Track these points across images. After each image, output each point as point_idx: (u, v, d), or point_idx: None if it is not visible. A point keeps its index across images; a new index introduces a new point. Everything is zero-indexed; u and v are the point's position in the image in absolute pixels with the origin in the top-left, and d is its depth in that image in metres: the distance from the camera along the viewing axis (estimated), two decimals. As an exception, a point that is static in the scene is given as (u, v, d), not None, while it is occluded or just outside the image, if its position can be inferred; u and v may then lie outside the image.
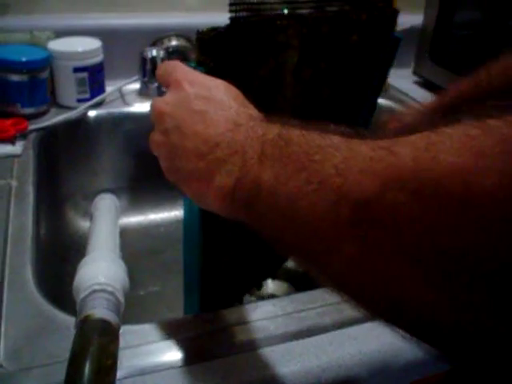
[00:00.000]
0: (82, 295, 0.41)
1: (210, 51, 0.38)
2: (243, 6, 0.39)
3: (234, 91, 0.36)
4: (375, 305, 0.25)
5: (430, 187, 0.20)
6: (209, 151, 0.32)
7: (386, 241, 0.22)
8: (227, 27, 0.38)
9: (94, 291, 0.41)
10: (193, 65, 0.38)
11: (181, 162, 0.34)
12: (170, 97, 0.36)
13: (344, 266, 0.24)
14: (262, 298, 0.67)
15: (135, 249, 0.76)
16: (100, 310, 0.39)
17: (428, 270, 0.21)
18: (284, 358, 0.41)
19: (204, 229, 0.42)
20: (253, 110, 0.35)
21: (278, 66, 0.44)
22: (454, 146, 0.20)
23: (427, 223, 0.20)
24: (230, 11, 0.38)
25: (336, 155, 0.25)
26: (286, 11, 0.41)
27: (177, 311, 0.49)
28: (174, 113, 0.35)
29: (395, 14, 0.50)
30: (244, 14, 0.39)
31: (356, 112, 0.56)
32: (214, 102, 0.34)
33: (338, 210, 0.24)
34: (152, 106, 0.38)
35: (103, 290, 0.41)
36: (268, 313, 0.45)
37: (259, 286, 0.64)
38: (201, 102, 0.34)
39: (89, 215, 0.77)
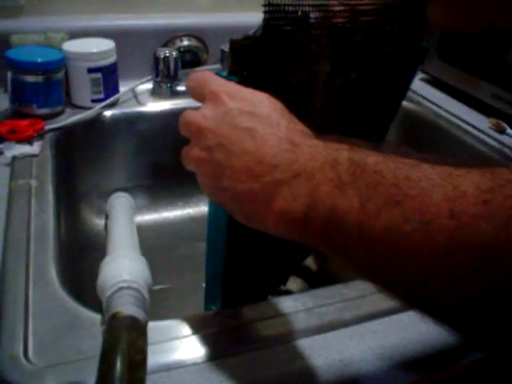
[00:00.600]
0: (108, 293, 0.42)
1: (243, 60, 0.37)
2: (277, 13, 0.37)
3: (278, 106, 0.34)
4: (483, 331, 0.24)
5: None
6: (265, 172, 0.31)
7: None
8: (261, 36, 0.37)
9: (121, 288, 0.42)
10: (224, 74, 0.37)
11: (229, 181, 0.32)
12: (208, 111, 0.34)
13: (459, 306, 0.24)
14: (277, 293, 0.67)
15: (149, 246, 0.76)
16: (128, 307, 0.40)
17: None
18: (306, 353, 0.42)
19: (229, 230, 0.42)
20: (303, 127, 0.33)
21: (309, 75, 0.43)
22: None
23: None
24: (264, 20, 0.37)
25: (436, 192, 0.24)
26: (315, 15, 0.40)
27: (192, 307, 0.49)
28: (216, 129, 0.33)
29: (425, 23, 0.50)
30: (279, 22, 0.38)
31: (377, 122, 0.56)
32: (260, 119, 0.32)
33: (454, 257, 0.23)
34: (186, 120, 0.35)
35: (129, 287, 0.42)
36: (289, 308, 0.46)
37: (285, 283, 0.65)
38: (246, 118, 0.32)
39: (103, 214, 0.78)
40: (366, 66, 0.47)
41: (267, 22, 0.37)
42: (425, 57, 0.53)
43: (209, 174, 0.34)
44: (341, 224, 0.27)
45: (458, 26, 0.56)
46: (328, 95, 0.46)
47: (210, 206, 0.41)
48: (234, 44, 0.36)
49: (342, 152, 0.29)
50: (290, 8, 0.37)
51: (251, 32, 0.37)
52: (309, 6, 0.39)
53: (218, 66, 0.86)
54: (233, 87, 0.35)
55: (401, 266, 0.25)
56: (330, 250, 0.29)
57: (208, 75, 0.36)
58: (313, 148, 0.30)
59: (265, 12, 0.36)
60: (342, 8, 0.41)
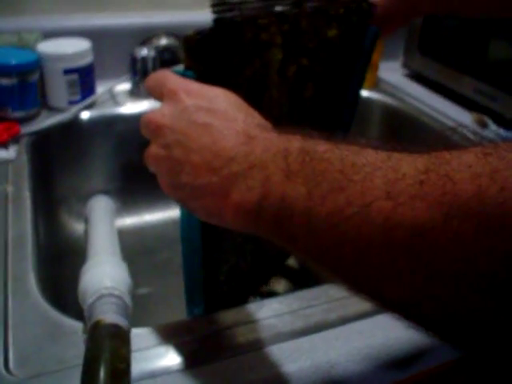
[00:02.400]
0: (89, 300, 0.41)
1: (197, 55, 0.37)
2: (225, 6, 0.39)
3: (235, 100, 0.35)
4: (424, 320, 0.24)
5: (501, 221, 0.20)
6: (222, 165, 0.31)
7: (451, 269, 0.21)
8: (212, 29, 0.38)
9: (102, 296, 0.41)
10: (180, 71, 0.37)
11: (188, 177, 0.32)
12: (166, 109, 0.34)
13: (401, 292, 0.24)
14: (262, 295, 0.67)
15: (131, 250, 0.76)
16: (110, 315, 0.39)
17: (497, 297, 0.21)
18: (293, 355, 0.41)
19: (204, 235, 0.42)
20: (260, 119, 0.34)
21: (263, 65, 0.44)
22: None
23: (502, 255, 0.20)
24: (213, 12, 0.38)
25: (378, 176, 0.25)
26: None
27: (175, 311, 0.49)
28: (174, 126, 0.33)
29: (371, 7, 0.51)
30: (227, 14, 0.39)
31: (340, 108, 0.56)
32: (217, 114, 0.33)
33: (390, 236, 0.23)
34: (146, 119, 0.36)
35: (111, 295, 0.41)
36: (274, 310, 0.45)
37: (267, 283, 0.65)
38: (203, 114, 0.33)
39: (83, 218, 0.77)
40: (315, 52, 0.48)
41: (216, 14, 0.38)
42: (376, 40, 0.54)
43: (168, 172, 0.34)
44: (290, 213, 0.28)
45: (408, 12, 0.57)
46: (283, 84, 0.47)
47: (182, 208, 0.41)
48: (187, 40, 0.36)
49: (293, 142, 0.30)
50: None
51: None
52: None
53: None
54: (190, 84, 0.35)
55: (343, 251, 0.26)
56: (281, 240, 0.30)
57: (165, 74, 0.37)
58: (267, 140, 0.31)
59: (213, 5, 0.37)
60: None
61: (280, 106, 0.48)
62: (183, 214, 0.41)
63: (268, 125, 0.33)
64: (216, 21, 0.38)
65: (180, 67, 0.38)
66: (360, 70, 0.55)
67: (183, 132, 0.33)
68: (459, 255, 0.21)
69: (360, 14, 0.51)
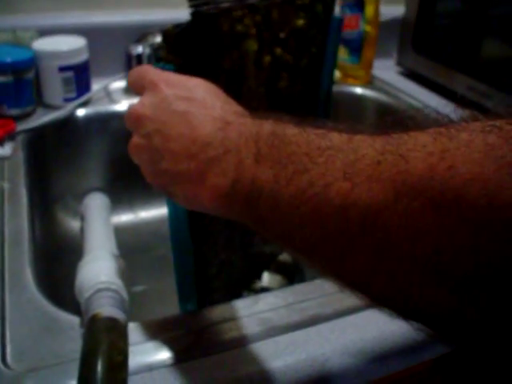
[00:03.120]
0: (86, 295, 0.41)
1: (176, 48, 0.38)
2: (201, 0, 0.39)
3: (213, 89, 0.35)
4: (386, 300, 0.25)
5: (448, 197, 0.20)
6: (199, 151, 0.32)
7: (400, 249, 0.22)
8: (190, 22, 0.39)
9: (99, 290, 0.41)
10: (160, 65, 0.38)
11: (168, 164, 0.33)
12: (147, 99, 0.35)
13: (357, 271, 0.24)
14: (255, 291, 0.67)
15: (127, 246, 0.76)
16: (107, 309, 0.39)
17: (443, 278, 0.21)
18: (288, 348, 0.42)
19: (192, 227, 0.43)
20: (237, 107, 0.35)
21: (240, 56, 0.45)
22: (474, 155, 0.20)
23: (446, 234, 0.20)
24: (190, 6, 0.39)
25: (339, 157, 0.25)
26: None
27: (171, 307, 0.49)
28: (154, 115, 0.34)
29: None
30: (203, 7, 0.40)
31: (314, 99, 0.57)
32: (196, 102, 0.34)
33: (347, 216, 0.23)
34: (128, 112, 0.36)
35: (108, 289, 0.41)
36: (270, 304, 0.46)
37: (258, 278, 0.65)
38: (182, 103, 0.34)
39: (79, 215, 0.77)
40: (287, 41, 0.49)
41: (193, 8, 0.39)
42: (341, 28, 0.56)
43: (149, 160, 0.35)
44: (258, 195, 0.29)
45: None
46: (260, 74, 0.48)
47: (168, 203, 0.41)
48: (166, 33, 0.38)
49: (265, 126, 0.31)
50: None
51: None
52: None
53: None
54: (170, 76, 0.36)
55: (305, 232, 0.26)
56: (252, 222, 0.30)
57: (146, 68, 0.38)
58: (242, 125, 0.32)
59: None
60: None
61: (258, 97, 0.49)
62: (171, 209, 0.42)
63: (245, 111, 0.34)
64: (193, 14, 0.39)
65: (160, 62, 0.39)
66: (329, 58, 0.57)
67: (162, 121, 0.33)
68: (408, 233, 0.21)
69: (324, 2, 0.52)
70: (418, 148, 0.22)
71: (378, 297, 0.25)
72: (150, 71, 0.37)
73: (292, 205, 0.26)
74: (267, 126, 0.30)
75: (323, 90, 0.58)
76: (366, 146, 0.25)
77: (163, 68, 0.38)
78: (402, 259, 0.22)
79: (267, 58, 0.48)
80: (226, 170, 0.30)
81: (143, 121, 0.34)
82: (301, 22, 0.50)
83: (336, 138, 0.27)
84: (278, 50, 0.49)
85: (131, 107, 0.36)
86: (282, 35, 0.49)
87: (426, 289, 0.22)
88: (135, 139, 0.36)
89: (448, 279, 0.21)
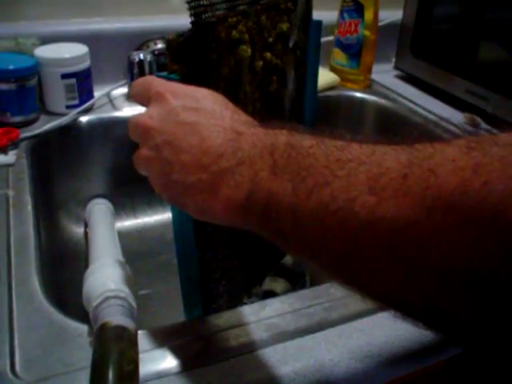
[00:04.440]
0: (94, 303, 0.41)
1: (180, 57, 0.38)
2: (200, 8, 0.40)
3: (221, 99, 0.35)
4: (414, 313, 0.25)
5: (485, 214, 0.20)
6: (211, 162, 0.31)
7: (432, 265, 0.21)
8: (192, 31, 0.39)
9: (107, 298, 0.41)
10: (164, 74, 0.38)
11: (179, 175, 0.33)
12: (154, 111, 0.34)
13: (385, 285, 0.24)
14: (257, 295, 0.68)
15: (131, 252, 0.76)
16: (116, 317, 0.39)
17: (476, 294, 0.21)
18: (297, 354, 0.42)
19: (196, 235, 0.43)
20: (246, 117, 0.34)
21: (236, 62, 0.45)
22: (510, 171, 0.20)
23: (483, 251, 0.20)
24: (191, 15, 0.39)
25: (362, 171, 0.25)
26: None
27: (176, 312, 0.49)
28: (162, 127, 0.33)
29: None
30: (203, 15, 0.40)
31: (300, 102, 0.59)
32: (204, 112, 0.33)
33: (374, 231, 0.23)
34: (133, 123, 0.36)
35: (116, 297, 0.41)
36: (277, 310, 0.46)
37: (260, 283, 0.65)
38: (190, 114, 0.33)
39: (82, 221, 0.77)
40: (274, 46, 0.50)
41: (195, 16, 0.39)
42: (320, 31, 0.57)
43: (159, 172, 0.34)
44: (277, 209, 0.28)
45: None
46: (254, 79, 0.48)
47: (173, 210, 0.41)
48: (169, 43, 0.38)
49: (280, 137, 0.30)
50: (208, 2, 0.41)
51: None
52: None
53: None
54: (176, 86, 0.35)
55: (329, 246, 0.26)
56: (270, 235, 0.30)
57: (150, 79, 0.37)
58: (255, 135, 0.31)
59: (189, 8, 0.39)
60: None
61: (253, 102, 0.49)
62: (175, 217, 0.42)
63: (254, 121, 0.34)
64: (194, 23, 0.39)
65: (163, 72, 0.39)
66: (311, 61, 0.58)
67: (171, 132, 0.33)
68: (441, 250, 0.21)
69: (303, 6, 0.53)
70: (446, 162, 0.22)
71: (406, 310, 0.25)
72: (155, 82, 0.36)
73: (314, 219, 0.26)
74: (282, 137, 0.30)
75: (309, 91, 0.59)
76: (390, 159, 0.24)
77: (167, 78, 0.38)
78: (434, 275, 0.22)
79: (259, 63, 0.49)
80: (240, 182, 0.30)
81: (151, 133, 0.34)
82: (285, 25, 0.51)
83: (356, 151, 0.26)
84: (268, 55, 0.50)
85: (137, 119, 0.35)
86: (270, 40, 0.49)
87: (457, 303, 0.22)
88: (143, 151, 0.35)
89: (481, 296, 0.21)
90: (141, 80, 0.38)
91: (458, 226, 0.20)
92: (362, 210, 0.24)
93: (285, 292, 0.69)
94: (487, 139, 0.22)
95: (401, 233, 0.22)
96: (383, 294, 0.25)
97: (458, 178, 0.21)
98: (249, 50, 0.46)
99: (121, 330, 0.38)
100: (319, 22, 0.57)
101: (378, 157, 0.25)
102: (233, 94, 0.46)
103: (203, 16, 0.40)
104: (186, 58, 0.39)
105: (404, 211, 0.22)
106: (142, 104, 0.37)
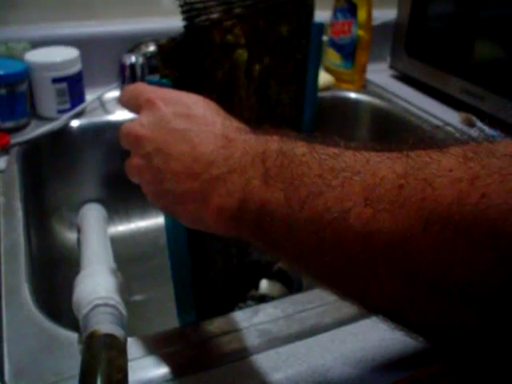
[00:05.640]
0: (84, 311, 0.41)
1: (172, 61, 0.38)
2: (194, 12, 0.39)
3: (213, 105, 0.35)
4: (406, 323, 0.25)
5: (483, 229, 0.19)
6: (202, 170, 0.31)
7: (430, 278, 0.21)
8: (184, 35, 0.38)
9: (97, 306, 0.41)
10: (155, 79, 0.37)
11: (170, 184, 0.32)
12: (145, 119, 0.34)
13: (382, 297, 0.24)
14: (253, 298, 0.67)
15: (124, 257, 0.76)
16: (105, 326, 0.39)
17: (474, 307, 0.20)
18: (289, 360, 0.42)
19: (189, 240, 0.43)
20: (238, 123, 0.34)
21: (231, 67, 0.45)
22: (508, 184, 0.19)
23: (481, 265, 0.19)
24: (183, 19, 0.39)
25: (357, 180, 0.24)
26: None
27: (170, 317, 0.49)
28: (154, 135, 0.33)
29: (313, 1, 0.54)
30: (196, 19, 0.40)
31: (299, 106, 0.58)
32: (196, 119, 0.33)
33: (370, 244, 0.23)
34: (124, 131, 0.35)
35: (106, 304, 0.41)
36: (270, 315, 0.46)
37: (255, 287, 0.65)
38: (181, 121, 0.33)
39: (75, 227, 0.77)
40: (273, 49, 0.50)
41: (187, 20, 0.39)
42: (322, 34, 0.56)
43: (150, 181, 0.34)
44: (269, 219, 0.28)
45: None
46: (250, 84, 0.48)
47: (166, 215, 0.41)
48: (161, 47, 0.37)
49: (272, 143, 0.30)
50: (201, 5, 0.40)
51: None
52: (216, 0, 0.41)
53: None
54: (167, 92, 0.35)
55: (324, 258, 0.25)
56: (263, 244, 0.30)
57: (140, 86, 0.37)
58: (246, 142, 0.31)
59: (182, 12, 0.38)
60: None
61: (249, 108, 0.49)
62: (168, 224, 0.41)
63: (246, 128, 0.33)
64: (187, 27, 0.39)
65: (154, 77, 0.38)
66: (312, 64, 0.57)
67: (162, 140, 0.33)
68: (437, 264, 0.21)
69: (305, 9, 0.53)
70: (443, 172, 0.21)
71: (403, 322, 0.25)
72: (145, 89, 0.36)
73: (308, 230, 0.25)
74: (274, 144, 0.29)
75: (309, 95, 0.58)
76: (385, 168, 0.24)
77: (159, 83, 0.37)
78: (431, 288, 0.21)
79: (257, 67, 0.48)
80: (231, 191, 0.30)
81: (142, 141, 0.33)
82: (285, 28, 0.50)
83: (350, 159, 0.26)
84: (266, 59, 0.49)
85: (128, 127, 0.35)
86: (269, 43, 0.49)
87: (455, 316, 0.21)
88: (135, 160, 0.35)
89: (480, 309, 0.20)
90: (131, 87, 0.38)
91: (454, 241, 0.20)
92: (356, 221, 0.23)
93: (281, 295, 0.69)
94: (485, 149, 0.21)
95: (397, 246, 0.22)
96: (379, 306, 0.25)
97: (455, 190, 0.20)
98: (245, 55, 0.45)
99: (110, 338, 0.38)
100: (321, 25, 0.55)
101: (373, 166, 0.24)
102: (228, 99, 0.45)
103: (196, 20, 0.40)
104: (178, 63, 0.38)
105: (400, 224, 0.22)
106: (133, 111, 0.37)
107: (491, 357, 0.23)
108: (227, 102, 0.45)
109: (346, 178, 0.25)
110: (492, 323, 0.21)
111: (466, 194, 0.20)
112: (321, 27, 0.56)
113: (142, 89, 0.36)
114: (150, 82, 0.37)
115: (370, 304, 0.26)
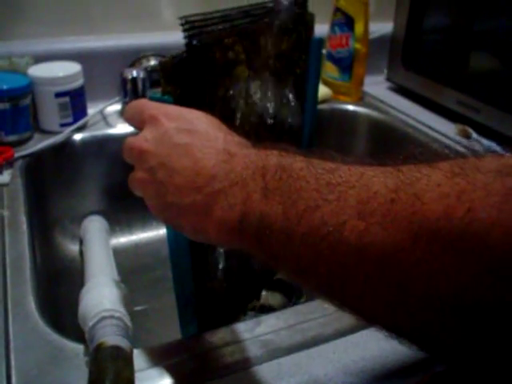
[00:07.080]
0: (90, 323, 0.42)
1: (174, 78, 0.39)
2: (195, 29, 0.40)
3: (215, 121, 0.36)
4: (401, 332, 0.25)
5: (468, 243, 0.20)
6: (205, 184, 0.32)
7: (418, 289, 0.22)
8: (186, 52, 0.39)
9: (103, 318, 0.41)
10: (158, 96, 0.38)
11: (173, 197, 0.33)
12: (148, 134, 0.35)
13: (377, 307, 0.24)
14: (254, 309, 0.68)
15: (127, 268, 0.76)
16: (112, 338, 0.39)
17: (461, 317, 0.21)
18: (292, 370, 0.42)
19: (192, 253, 0.43)
20: (239, 138, 0.35)
21: (232, 83, 0.45)
22: (492, 198, 0.20)
23: (467, 277, 0.20)
24: (185, 37, 0.39)
25: (351, 194, 0.25)
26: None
27: (172, 328, 0.49)
28: (157, 149, 0.34)
29: (312, 18, 0.55)
30: (197, 37, 0.40)
31: (298, 121, 0.59)
32: (198, 134, 0.34)
33: (363, 256, 0.24)
34: (128, 146, 0.36)
35: (111, 317, 0.42)
36: (272, 326, 0.46)
37: (258, 298, 0.66)
38: (184, 136, 0.34)
39: (77, 238, 0.77)
40: (273, 65, 0.51)
41: (189, 38, 0.39)
42: (321, 49, 0.57)
43: (154, 194, 0.35)
44: (268, 231, 0.29)
45: None
46: (250, 99, 0.49)
47: (168, 227, 0.42)
48: (163, 64, 0.38)
49: (271, 158, 0.31)
50: (202, 23, 0.41)
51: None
52: (216, 18, 0.43)
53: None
54: (170, 108, 0.36)
55: (320, 270, 0.26)
56: (264, 256, 0.30)
57: (143, 102, 0.38)
58: (247, 157, 0.32)
59: (184, 30, 0.39)
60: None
61: (250, 123, 0.50)
62: (170, 236, 0.42)
63: (247, 142, 0.34)
64: (188, 44, 0.40)
65: (157, 92, 0.39)
66: (311, 78, 0.58)
67: (166, 154, 0.33)
68: (427, 275, 0.21)
69: (304, 25, 0.54)
70: (432, 187, 0.22)
71: (397, 331, 0.25)
72: (148, 105, 0.37)
73: (306, 243, 0.26)
74: (273, 159, 0.30)
75: (308, 109, 0.59)
76: (378, 183, 0.25)
77: (161, 99, 0.38)
78: (420, 299, 0.22)
79: (257, 83, 0.49)
80: (232, 204, 0.31)
81: (146, 156, 0.34)
82: (285, 45, 0.51)
83: (346, 173, 0.27)
84: (266, 74, 0.50)
85: (132, 142, 0.36)
86: (269, 59, 0.50)
87: (443, 327, 0.22)
88: (138, 174, 0.36)
89: (468, 320, 0.21)
90: (134, 103, 0.39)
91: (441, 254, 0.21)
92: (351, 234, 0.24)
93: (282, 306, 0.70)
94: (471, 164, 0.22)
95: (388, 258, 0.23)
96: (374, 316, 0.26)
97: (443, 205, 0.21)
98: (246, 71, 0.46)
99: (116, 350, 0.39)
100: (320, 40, 0.56)
101: (366, 180, 0.25)
102: (229, 115, 0.46)
103: (198, 38, 0.40)
104: (180, 80, 0.39)
105: (391, 237, 0.23)
106: (136, 127, 0.38)
107: (479, 366, 0.24)
108: (228, 117, 0.46)
109: (342, 192, 0.26)
110: (478, 333, 0.21)
111: (453, 209, 0.21)
112: (320, 42, 0.57)
113: (146, 105, 0.37)
114: (153, 99, 0.38)
115: (365, 314, 0.26)
